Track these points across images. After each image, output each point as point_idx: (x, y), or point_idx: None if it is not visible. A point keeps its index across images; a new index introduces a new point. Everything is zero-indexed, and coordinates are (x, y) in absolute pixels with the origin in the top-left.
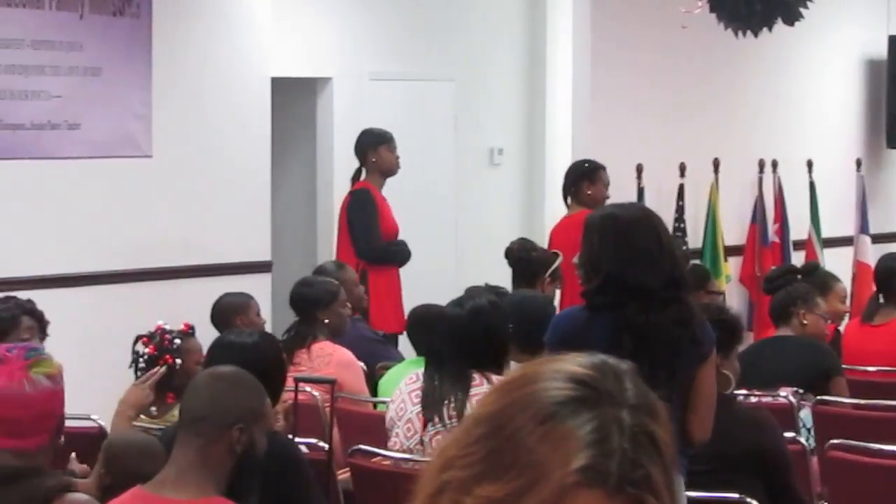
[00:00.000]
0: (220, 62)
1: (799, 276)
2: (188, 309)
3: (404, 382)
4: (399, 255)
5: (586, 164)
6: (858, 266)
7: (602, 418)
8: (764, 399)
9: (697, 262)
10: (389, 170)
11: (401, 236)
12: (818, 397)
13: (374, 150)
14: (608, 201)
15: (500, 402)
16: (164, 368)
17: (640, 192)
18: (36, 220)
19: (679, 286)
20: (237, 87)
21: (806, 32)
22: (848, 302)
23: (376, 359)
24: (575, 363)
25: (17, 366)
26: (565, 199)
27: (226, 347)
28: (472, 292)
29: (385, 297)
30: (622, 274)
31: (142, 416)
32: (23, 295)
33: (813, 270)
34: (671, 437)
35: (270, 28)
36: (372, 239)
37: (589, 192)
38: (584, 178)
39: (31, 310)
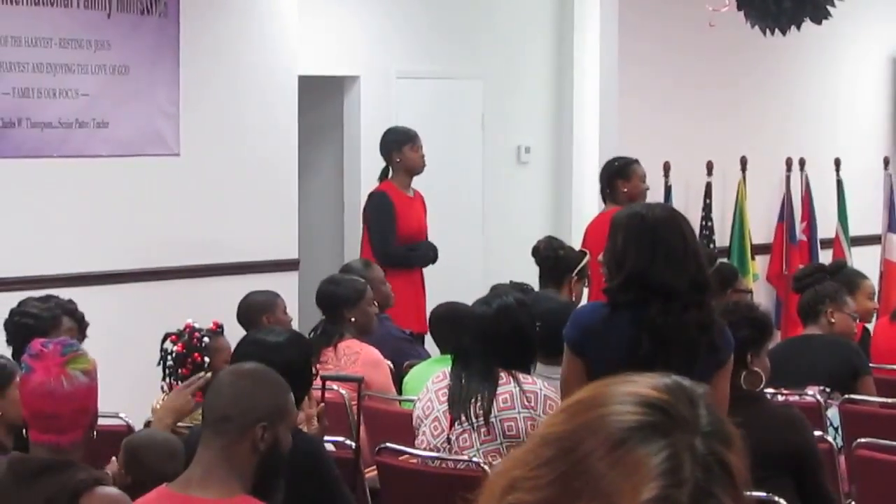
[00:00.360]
0: (248, 60)
1: (827, 275)
2: (216, 307)
3: (431, 381)
4: (417, 259)
5: (617, 163)
6: (886, 265)
7: (675, 446)
8: (792, 398)
9: (725, 260)
10: (414, 168)
11: (429, 234)
12: (846, 396)
13: (399, 149)
14: (648, 194)
15: (569, 423)
16: (208, 374)
17: (668, 190)
18: (64, 218)
19: (702, 289)
20: (265, 86)
21: (834, 31)
22: (876, 300)
23: (404, 357)
24: (647, 385)
25: (53, 361)
26: (603, 200)
27: (253, 345)
28: (498, 290)
29: (405, 296)
30: (644, 273)
31: None
32: (49, 292)
33: (840, 269)
34: (745, 465)
35: (298, 26)
36: (386, 245)
37: (625, 190)
38: (617, 177)
39: (71, 310)
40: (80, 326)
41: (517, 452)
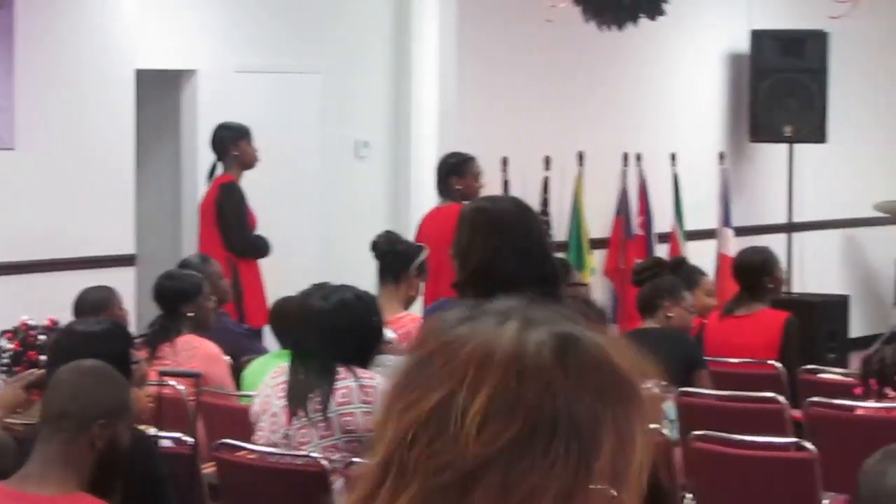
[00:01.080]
0: (85, 53)
1: (666, 270)
2: (52, 303)
3: (269, 376)
4: (267, 246)
5: (452, 160)
6: (721, 259)
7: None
8: None
9: (560, 255)
10: (251, 163)
11: (267, 230)
12: (682, 389)
13: (236, 143)
14: (482, 191)
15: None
16: (41, 371)
17: (506, 184)
18: None
19: (550, 281)
20: (102, 79)
21: (670, 27)
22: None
23: (242, 352)
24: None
25: None
26: (440, 195)
27: (72, 335)
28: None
29: (256, 289)
30: (491, 267)
31: None
32: None
33: (681, 264)
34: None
35: (135, 19)
36: (245, 230)
37: (458, 187)
38: (451, 174)
39: None
40: None
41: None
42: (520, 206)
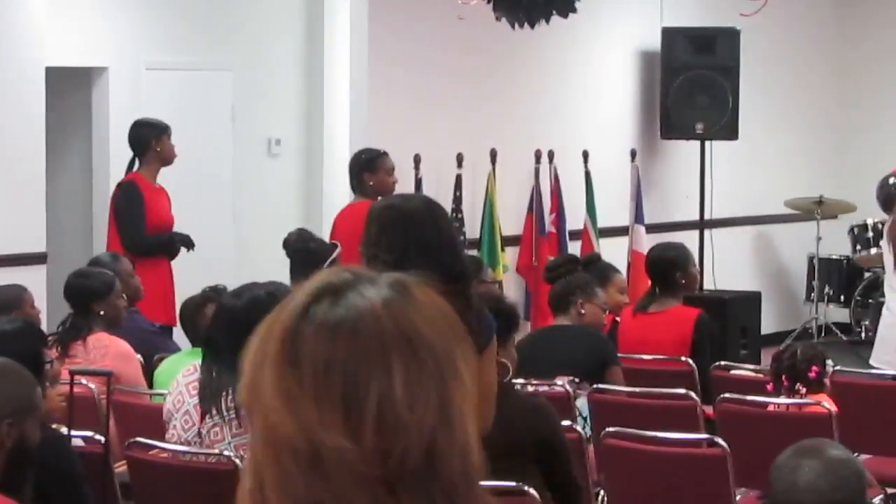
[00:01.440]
0: None
1: (579, 267)
2: None
3: (182, 374)
4: (167, 248)
5: (363, 156)
6: (633, 256)
7: None
8: (541, 388)
9: (473, 252)
10: (169, 158)
11: (179, 227)
12: (595, 386)
13: (158, 138)
14: (396, 186)
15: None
16: None
17: (419, 182)
18: None
19: (459, 280)
20: (11, 76)
21: (582, 25)
22: (626, 294)
23: (154, 350)
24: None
25: None
26: (353, 192)
27: None
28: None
29: (154, 288)
30: (398, 265)
31: None
32: None
33: (594, 262)
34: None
35: (45, 16)
36: (137, 233)
37: (371, 183)
38: (363, 170)
39: None
40: None
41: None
42: (430, 205)
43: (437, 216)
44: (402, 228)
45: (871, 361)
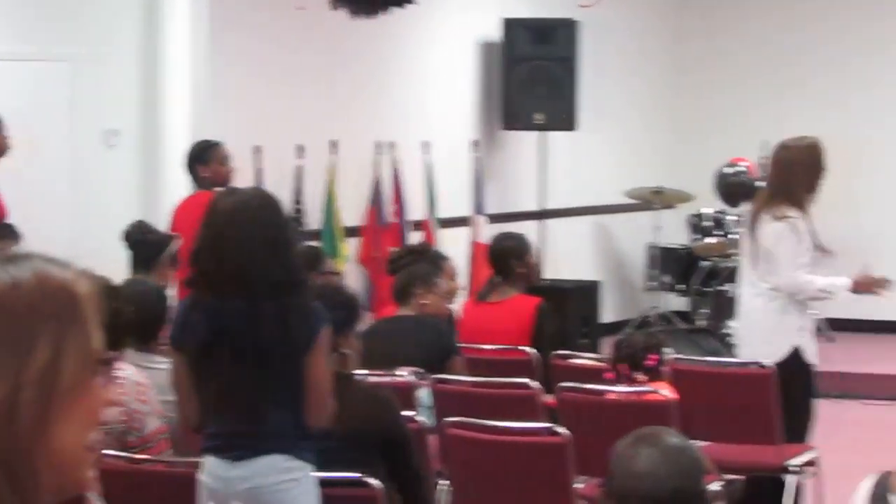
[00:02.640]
0: None
1: (421, 258)
2: None
3: None
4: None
5: (196, 147)
6: (475, 246)
7: None
8: (384, 378)
9: (314, 243)
10: (3, 150)
11: (16, 221)
12: (436, 376)
13: None
14: (234, 176)
15: None
16: None
17: (259, 173)
18: None
19: (291, 272)
20: None
21: (422, 16)
22: (459, 280)
23: None
24: None
25: None
26: (192, 183)
27: None
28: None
29: None
30: (225, 259)
31: None
32: None
33: (425, 251)
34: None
35: None
36: None
37: (205, 175)
38: (196, 162)
39: None
40: None
41: None
42: (262, 199)
43: (269, 210)
44: (232, 223)
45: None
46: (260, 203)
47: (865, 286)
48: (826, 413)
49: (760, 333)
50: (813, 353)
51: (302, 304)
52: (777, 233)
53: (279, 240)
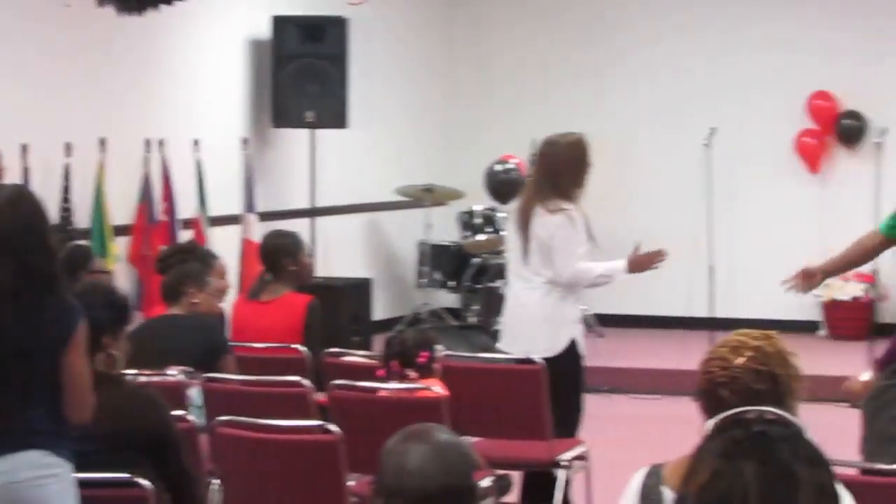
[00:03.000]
0: None
1: (192, 257)
2: None
3: None
4: None
5: None
6: (246, 244)
7: None
8: (154, 378)
9: (83, 242)
10: None
11: None
12: (207, 375)
13: None
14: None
15: None
16: None
17: (26, 172)
18: None
19: (48, 275)
20: None
21: (192, 13)
22: (228, 278)
23: None
24: None
25: None
26: None
27: None
28: None
29: None
30: None
31: None
32: None
33: (194, 249)
34: None
35: None
36: None
37: None
38: None
39: None
40: None
41: None
42: (23, 195)
43: (30, 207)
44: None
45: (499, 346)
46: (16, 198)
47: (640, 264)
48: (595, 407)
49: (538, 327)
50: (583, 346)
51: (57, 301)
52: (554, 225)
53: (36, 233)
